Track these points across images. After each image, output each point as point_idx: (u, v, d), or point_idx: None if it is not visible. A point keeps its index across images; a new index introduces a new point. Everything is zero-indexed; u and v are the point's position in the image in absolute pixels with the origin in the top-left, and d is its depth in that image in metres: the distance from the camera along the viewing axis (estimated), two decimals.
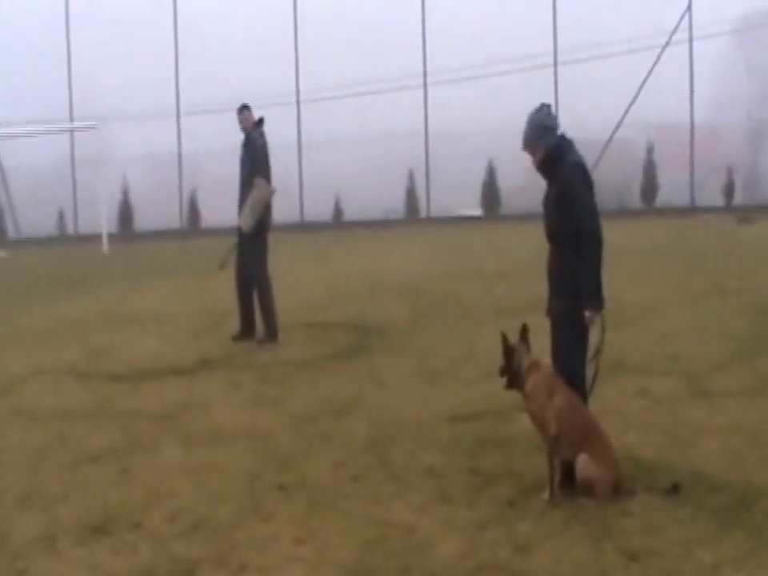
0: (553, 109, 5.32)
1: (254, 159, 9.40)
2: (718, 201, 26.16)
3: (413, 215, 27.99)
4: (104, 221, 22.67)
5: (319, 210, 27.72)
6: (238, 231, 9.61)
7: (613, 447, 4.99)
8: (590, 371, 5.25)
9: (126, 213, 27.02)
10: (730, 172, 25.68)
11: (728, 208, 24.20)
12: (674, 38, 25.50)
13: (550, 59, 26.39)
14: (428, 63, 27.01)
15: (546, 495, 4.93)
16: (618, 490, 4.85)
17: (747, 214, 21.27)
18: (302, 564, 4.27)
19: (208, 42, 25.26)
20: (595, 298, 5.06)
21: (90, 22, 26.14)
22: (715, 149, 27.85)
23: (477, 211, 28.73)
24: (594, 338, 5.18)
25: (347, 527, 4.67)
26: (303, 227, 25.62)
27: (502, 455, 5.65)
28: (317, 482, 5.35)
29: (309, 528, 4.68)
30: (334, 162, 27.20)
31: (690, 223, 23.24)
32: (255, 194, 9.31)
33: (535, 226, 23.43)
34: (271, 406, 7.06)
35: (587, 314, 5.04)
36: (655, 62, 23.20)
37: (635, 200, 26.88)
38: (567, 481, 4.95)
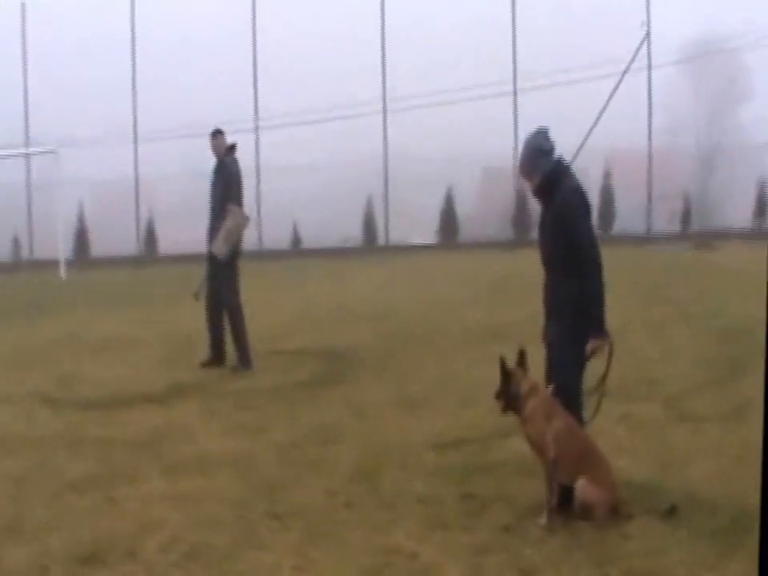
0: (550, 133, 5.31)
1: (227, 186, 9.34)
2: (672, 227, 26.67)
3: (371, 243, 28.07)
4: (61, 246, 22.37)
5: (277, 236, 27.69)
6: (209, 258, 9.53)
7: (611, 470, 5.02)
8: (588, 400, 5.27)
9: (81, 239, 26.69)
10: (686, 199, 26.20)
11: (684, 235, 24.64)
12: (623, 66, 26.03)
13: (510, 87, 26.77)
14: (387, 90, 27.22)
15: (543, 520, 4.91)
16: (616, 513, 4.88)
17: (705, 240, 21.73)
18: None
19: (166, 67, 25.17)
20: (601, 327, 5.09)
21: (47, 48, 25.91)
22: (667, 175, 28.42)
23: (428, 240, 28.96)
24: (595, 364, 5.19)
25: (347, 555, 4.60)
26: (262, 255, 25.51)
27: (493, 481, 5.63)
28: (310, 509, 5.27)
29: (308, 557, 4.60)
30: (291, 189, 27.22)
31: (647, 250, 23.68)
32: (229, 222, 9.24)
33: (494, 254, 24.05)
34: (253, 434, 6.96)
35: (594, 342, 5.06)
36: (614, 89, 23.65)
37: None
38: (565, 505, 4.96)
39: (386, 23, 27.69)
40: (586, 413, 5.30)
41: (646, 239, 25.24)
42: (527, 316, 12.44)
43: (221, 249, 9.24)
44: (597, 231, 5.28)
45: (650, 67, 26.34)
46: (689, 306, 11.95)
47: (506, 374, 5.20)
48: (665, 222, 27.90)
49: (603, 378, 5.23)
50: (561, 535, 4.75)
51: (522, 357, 5.22)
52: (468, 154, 28.32)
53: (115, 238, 25.91)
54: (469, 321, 12.40)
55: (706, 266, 17.33)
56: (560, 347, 5.19)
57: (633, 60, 24.17)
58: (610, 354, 5.15)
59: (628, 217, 28.20)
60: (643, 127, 31.07)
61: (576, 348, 5.11)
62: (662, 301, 12.86)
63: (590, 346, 5.08)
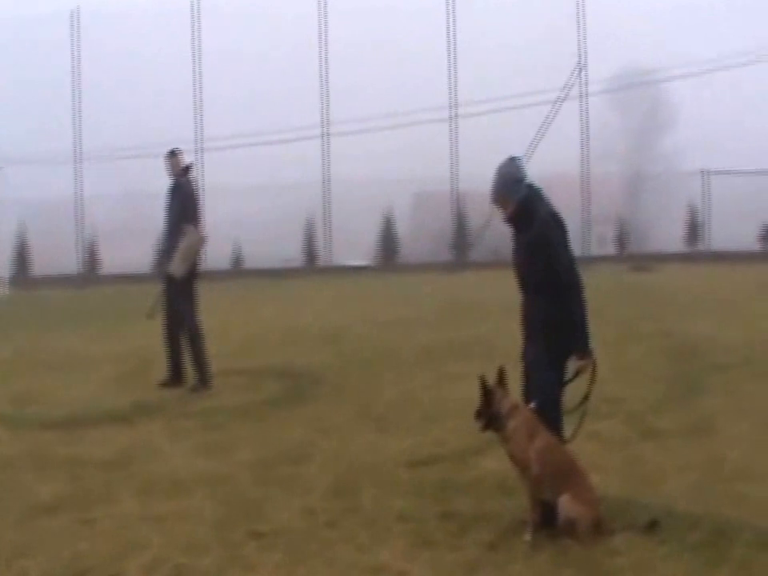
0: (522, 161, 5.34)
1: (184, 206, 9.28)
2: (603, 250, 27.23)
3: (311, 264, 28.05)
4: (3, 264, 21.99)
5: (217, 257, 27.49)
6: (165, 278, 9.44)
7: (592, 487, 5.09)
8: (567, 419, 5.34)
9: (22, 257, 26.14)
10: (620, 223, 26.79)
11: (620, 257, 25.15)
12: (554, 95, 26.60)
13: (447, 113, 27.11)
14: (328, 114, 27.32)
15: (528, 537, 4.96)
16: (598, 529, 4.94)
17: (641, 262, 22.26)
18: None
19: (109, 87, 24.90)
20: (585, 347, 5.18)
21: None
22: (596, 201, 29.07)
23: (363, 262, 29.09)
24: (578, 383, 5.27)
25: (335, 575, 4.58)
26: (203, 275, 25.25)
27: (472, 498, 5.66)
28: (291, 529, 5.23)
29: None
30: (234, 210, 27.08)
31: (585, 271, 24.08)
32: (186, 241, 9.16)
33: (434, 275, 24.29)
34: (222, 454, 6.87)
35: (579, 362, 5.14)
36: (551, 117, 24.14)
37: None
38: (548, 522, 5.00)
39: (327, 48, 27.84)
40: (566, 432, 5.36)
41: (582, 261, 25.67)
42: (479, 335, 12.72)
43: (178, 268, 9.15)
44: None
45: (586, 95, 26.95)
46: (637, 325, 12.20)
47: (486, 393, 5.23)
48: (596, 245, 28.50)
49: (586, 397, 5.31)
50: (547, 552, 4.79)
51: (501, 375, 5.26)
52: (406, 178, 28.65)
53: (56, 256, 25.42)
54: (421, 341, 12.46)
55: (646, 288, 17.74)
56: (539, 367, 5.24)
57: (569, 88, 24.74)
58: (593, 374, 5.23)
59: None
60: (572, 154, 31.77)
61: (555, 368, 5.20)
62: (610, 321, 13.09)
63: (575, 366, 5.17)
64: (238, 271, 26.99)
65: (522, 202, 5.22)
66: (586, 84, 26.96)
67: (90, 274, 25.92)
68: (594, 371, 5.23)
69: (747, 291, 17.12)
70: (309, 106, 26.78)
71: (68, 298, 21.33)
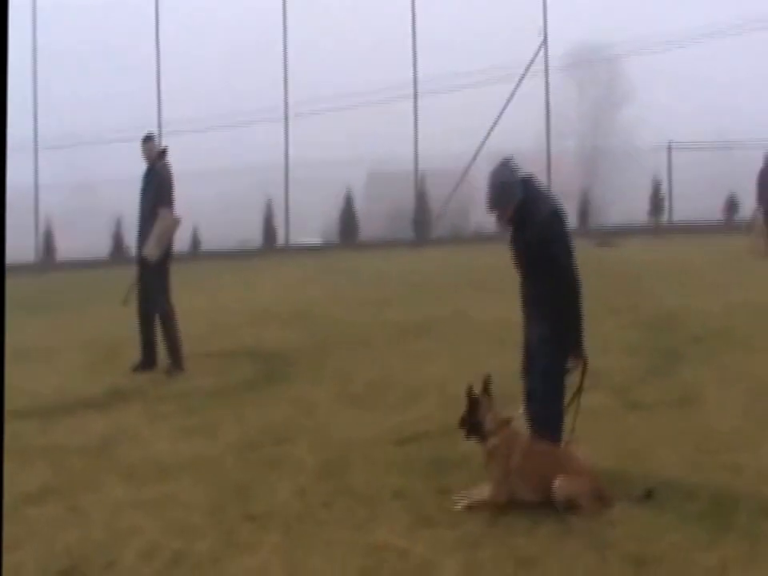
0: (514, 162, 5.33)
1: (159, 190, 9.11)
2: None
3: (270, 244, 27.82)
4: None
5: (175, 241, 27.17)
6: (140, 263, 9.26)
7: (585, 462, 5.11)
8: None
9: None
10: (583, 198, 26.91)
11: (583, 232, 25.23)
12: (514, 71, 26.58)
13: (410, 90, 26.97)
14: (289, 94, 27.02)
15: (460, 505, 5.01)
16: (599, 500, 4.93)
17: (605, 237, 22.38)
18: None
19: (69, 75, 24.35)
20: (578, 348, 5.28)
21: None
22: (556, 175, 29.16)
23: (316, 239, 29.02)
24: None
25: (337, 555, 4.48)
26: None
27: (464, 474, 5.58)
28: (285, 510, 5.13)
29: (297, 558, 4.46)
30: (192, 193, 26.69)
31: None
32: (160, 224, 9.00)
33: (396, 253, 24.19)
34: (205, 437, 6.73)
35: (571, 361, 5.26)
36: (513, 93, 24.13)
37: (491, 225, 27.72)
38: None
39: (287, 29, 27.49)
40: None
41: None
42: (447, 313, 12.66)
43: (152, 251, 8.99)
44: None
45: (546, 71, 26.97)
46: (609, 299, 12.22)
47: (471, 402, 5.19)
48: None
49: (577, 393, 5.34)
50: (548, 525, 4.76)
51: (486, 385, 5.24)
52: (365, 158, 28.52)
53: (11, 245, 24.83)
54: (390, 319, 12.39)
55: (613, 262, 17.79)
56: (543, 350, 5.32)
57: (531, 64, 24.73)
58: (584, 372, 5.30)
59: None
60: (532, 129, 31.81)
61: (558, 354, 5.30)
62: (582, 295, 13.12)
63: (569, 365, 5.27)
64: (196, 254, 26.67)
65: (519, 205, 5.25)
66: (547, 61, 26.96)
67: (46, 261, 25.44)
68: (584, 370, 5.33)
69: (714, 262, 17.29)
70: (270, 85, 26.45)
71: (25, 286, 20.85)
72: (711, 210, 26.64)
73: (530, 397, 5.40)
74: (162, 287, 9.13)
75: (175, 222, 9.17)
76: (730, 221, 26.20)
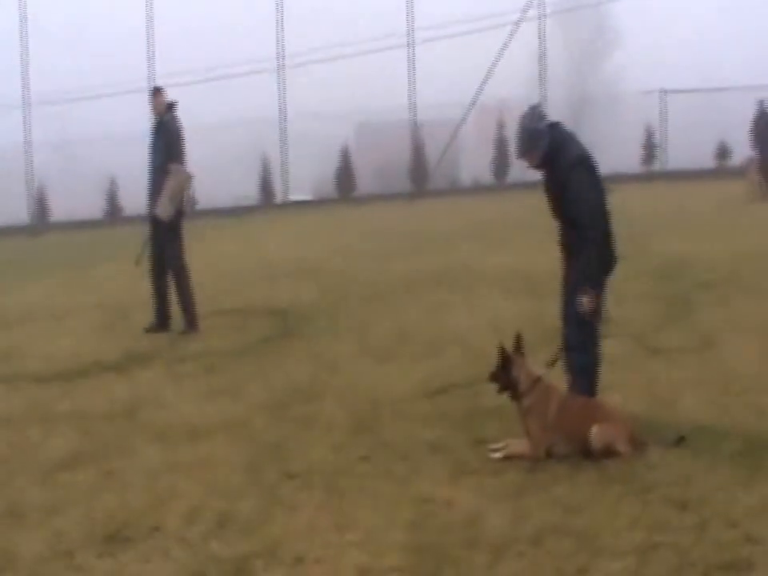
0: (541, 108, 5.44)
1: (169, 144, 8.98)
2: None
3: (267, 201, 27.62)
4: None
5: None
6: (151, 221, 9.16)
7: (618, 409, 5.21)
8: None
9: None
10: None
11: None
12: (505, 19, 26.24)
13: (404, 40, 26.62)
14: (284, 46, 26.62)
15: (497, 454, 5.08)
16: (635, 444, 4.98)
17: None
18: (358, 550, 4.08)
19: (58, 23, 23.86)
20: (589, 286, 5.29)
21: None
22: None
23: (306, 196, 28.85)
24: None
25: (383, 508, 4.51)
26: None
27: (500, 425, 5.60)
28: (325, 466, 5.15)
29: (344, 513, 4.48)
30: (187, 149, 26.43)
31: (544, 198, 24.12)
32: (173, 181, 8.87)
33: (393, 206, 24.06)
34: (230, 397, 6.73)
35: (580, 299, 5.26)
36: (508, 41, 23.86)
37: (487, 176, 27.64)
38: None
39: None
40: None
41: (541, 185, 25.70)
42: (452, 263, 12.66)
43: (166, 208, 8.86)
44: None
45: (541, 17, 26.63)
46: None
47: (505, 360, 5.19)
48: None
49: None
50: (588, 472, 4.80)
51: (518, 342, 5.26)
52: (358, 109, 28.21)
53: (4, 205, 24.59)
54: (398, 271, 12.39)
55: (612, 209, 17.75)
56: (575, 301, 5.34)
57: (526, 10, 24.39)
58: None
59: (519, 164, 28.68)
60: (521, 77, 31.50)
61: (597, 286, 5.36)
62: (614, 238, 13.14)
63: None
64: (192, 211, 26.47)
65: (546, 154, 5.32)
66: (543, 5, 26.62)
67: (40, 222, 25.21)
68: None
69: (710, 208, 17.30)
70: (264, 37, 26.03)
71: (21, 248, 20.76)
72: (702, 156, 26.59)
73: (566, 344, 5.41)
74: (176, 245, 9.04)
75: (188, 178, 9.05)
76: (722, 167, 26.17)
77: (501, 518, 4.31)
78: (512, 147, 27.56)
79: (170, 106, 9.06)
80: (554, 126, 5.36)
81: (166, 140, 8.95)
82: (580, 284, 5.29)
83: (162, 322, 9.26)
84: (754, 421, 5.43)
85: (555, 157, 5.29)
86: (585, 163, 5.33)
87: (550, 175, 5.42)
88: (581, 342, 5.38)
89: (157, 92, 9.11)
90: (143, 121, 24.28)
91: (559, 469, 4.87)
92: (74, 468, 5.36)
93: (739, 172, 20.28)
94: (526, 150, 5.35)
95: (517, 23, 24.61)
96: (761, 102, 19.26)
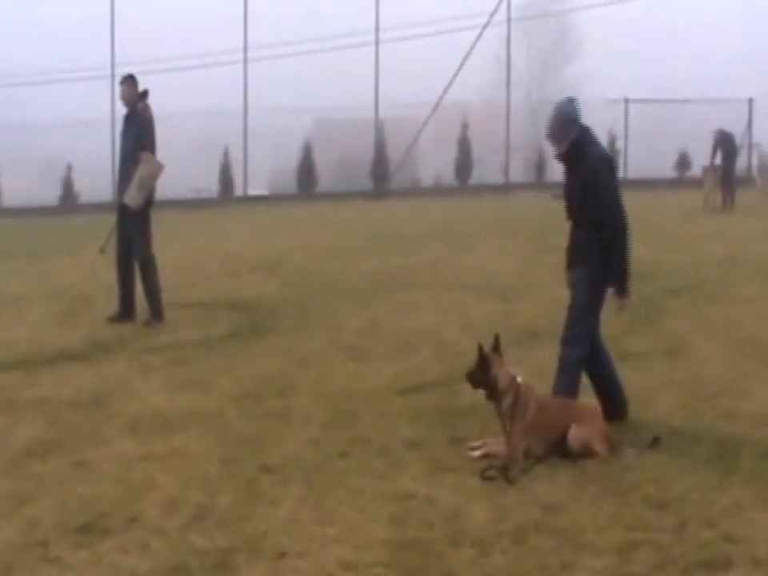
0: (579, 102, 5.55)
1: (140, 133, 8.83)
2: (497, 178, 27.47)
3: (227, 194, 27.38)
4: None
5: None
6: (119, 209, 9.03)
7: (594, 407, 5.29)
8: None
9: None
10: (539, 150, 26.96)
11: (540, 184, 25.42)
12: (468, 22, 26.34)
13: (372, 37, 26.58)
14: (249, 39, 26.41)
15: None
16: (611, 444, 5.03)
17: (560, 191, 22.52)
18: (341, 545, 4.05)
19: (12, 11, 23.39)
20: (625, 288, 5.55)
21: None
22: (497, 128, 29.20)
23: (263, 191, 28.75)
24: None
25: (364, 504, 4.49)
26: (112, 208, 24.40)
27: (476, 423, 5.61)
28: (302, 461, 5.11)
29: (325, 508, 4.45)
30: None
31: (510, 199, 24.33)
32: (143, 170, 8.74)
33: (356, 204, 23.95)
34: (201, 389, 6.65)
35: (620, 301, 5.55)
36: (474, 43, 23.93)
37: (450, 178, 27.71)
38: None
39: None
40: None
41: (502, 188, 25.88)
42: (419, 262, 12.68)
43: (135, 198, 8.74)
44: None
45: (509, 21, 26.75)
46: None
47: (483, 361, 5.19)
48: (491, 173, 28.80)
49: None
50: (567, 471, 4.83)
51: (496, 342, 5.27)
52: (329, 106, 28.12)
53: None
54: (365, 269, 12.37)
55: None
56: (578, 291, 5.55)
57: (494, 12, 24.49)
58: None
59: (482, 167, 28.82)
60: (484, 80, 31.67)
61: (592, 293, 5.52)
62: (551, 247, 13.19)
63: (616, 305, 5.61)
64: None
65: (574, 142, 5.46)
66: (509, 10, 26.74)
67: None
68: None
69: (672, 217, 17.58)
70: (229, 30, 25.79)
71: None
72: (663, 166, 27.00)
73: (563, 339, 5.59)
74: (144, 235, 8.92)
75: (159, 167, 8.92)
76: (682, 177, 26.60)
77: (482, 515, 4.31)
78: (472, 147, 27.73)
79: (143, 95, 8.93)
80: (584, 126, 5.49)
81: (137, 129, 8.82)
82: (614, 279, 5.48)
83: (126, 311, 9.12)
84: (726, 425, 5.52)
85: (581, 154, 5.42)
86: (609, 165, 5.63)
87: (570, 174, 5.55)
88: (576, 335, 5.46)
89: (128, 80, 8.93)
90: (103, 107, 24.04)
91: (538, 468, 4.89)
92: (43, 457, 5.24)
93: (699, 182, 20.62)
94: (556, 134, 5.47)
95: (483, 27, 24.71)
96: (719, 131, 19.76)
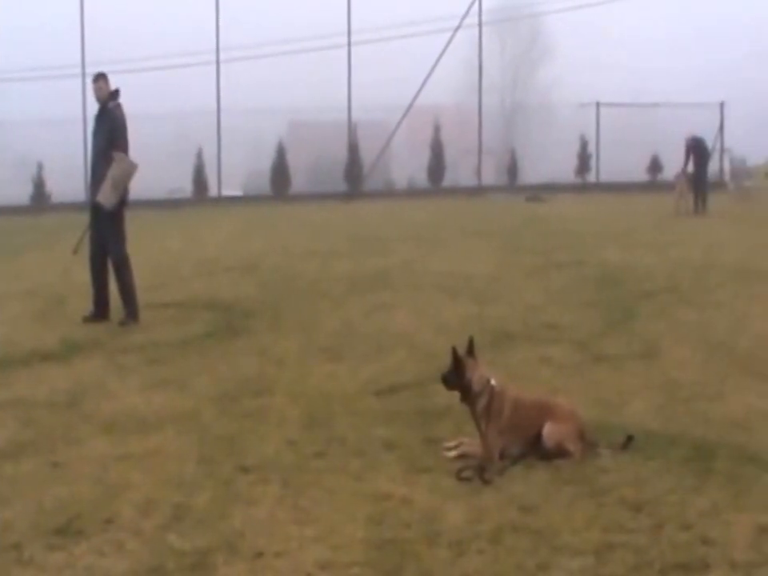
0: None
1: (112, 132, 8.79)
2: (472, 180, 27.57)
3: (201, 195, 27.28)
4: None
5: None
6: (92, 209, 8.98)
7: (568, 405, 5.29)
8: None
9: None
10: (512, 153, 27.13)
11: (512, 187, 25.55)
12: (440, 25, 26.41)
13: (344, 39, 26.59)
14: (221, 40, 26.31)
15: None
16: (585, 443, 5.07)
17: (535, 193, 22.68)
18: (319, 545, 4.05)
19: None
20: None
21: None
22: (469, 131, 29.33)
23: (237, 191, 28.79)
24: None
25: (341, 504, 4.49)
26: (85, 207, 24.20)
27: (450, 424, 5.63)
28: (279, 461, 5.09)
29: (302, 508, 4.44)
30: None
31: (482, 201, 24.40)
32: (116, 169, 8.70)
33: (330, 205, 24.04)
34: (178, 389, 6.62)
35: None
36: (446, 46, 23.98)
37: (423, 180, 27.77)
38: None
39: None
40: None
41: (475, 190, 25.95)
42: (393, 264, 12.71)
43: (109, 197, 8.70)
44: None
45: (480, 25, 26.85)
46: (553, 254, 12.45)
47: (458, 364, 5.20)
48: (466, 174, 28.88)
49: None
50: (542, 472, 4.86)
51: (471, 345, 5.28)
52: (290, 107, 28.07)
53: None
54: (340, 270, 12.40)
55: (547, 219, 18.10)
56: None
57: (465, 15, 24.56)
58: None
59: (455, 169, 28.91)
60: (455, 83, 31.77)
61: None
62: (525, 249, 13.32)
63: None
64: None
65: None
66: (480, 14, 26.83)
67: None
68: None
69: (644, 220, 17.75)
70: (201, 31, 25.67)
71: None
72: (634, 169, 27.21)
73: None
74: (118, 235, 8.90)
75: (132, 167, 8.88)
76: (654, 181, 26.83)
77: (459, 516, 4.33)
78: (445, 150, 27.77)
79: (114, 94, 8.89)
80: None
81: (109, 127, 8.79)
82: None
83: (101, 311, 9.09)
84: (700, 427, 5.56)
85: None
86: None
87: None
88: None
89: (100, 78, 8.91)
90: (74, 106, 23.83)
91: (514, 469, 4.92)
92: (17, 458, 5.20)
93: (671, 186, 20.83)
94: None
95: (455, 30, 24.77)
96: (692, 137, 19.91)
